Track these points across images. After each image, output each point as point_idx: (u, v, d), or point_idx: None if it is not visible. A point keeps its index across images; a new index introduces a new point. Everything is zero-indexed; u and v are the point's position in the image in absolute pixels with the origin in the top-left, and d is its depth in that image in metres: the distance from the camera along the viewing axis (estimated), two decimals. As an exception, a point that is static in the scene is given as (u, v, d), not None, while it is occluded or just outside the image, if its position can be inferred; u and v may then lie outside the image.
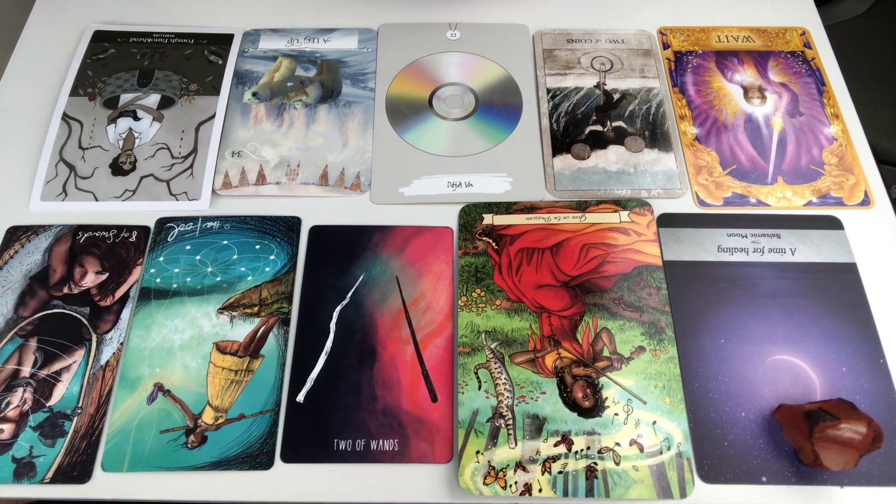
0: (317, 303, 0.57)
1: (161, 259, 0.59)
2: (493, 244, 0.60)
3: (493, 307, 0.56)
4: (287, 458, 0.51)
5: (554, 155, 0.65)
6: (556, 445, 0.51)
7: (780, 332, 0.56)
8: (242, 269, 0.59)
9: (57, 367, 0.54)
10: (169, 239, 0.60)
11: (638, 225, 0.61)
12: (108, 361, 0.54)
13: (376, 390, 0.54)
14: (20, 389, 0.53)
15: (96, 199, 0.62)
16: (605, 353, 0.54)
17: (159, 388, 0.53)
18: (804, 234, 0.61)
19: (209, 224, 0.61)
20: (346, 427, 0.52)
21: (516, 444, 0.51)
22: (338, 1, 0.77)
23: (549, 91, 0.70)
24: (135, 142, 0.65)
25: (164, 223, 0.61)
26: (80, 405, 0.53)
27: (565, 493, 0.49)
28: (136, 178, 0.63)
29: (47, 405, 0.52)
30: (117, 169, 0.63)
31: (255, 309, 0.57)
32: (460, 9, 0.76)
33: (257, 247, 0.60)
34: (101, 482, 0.51)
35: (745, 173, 0.64)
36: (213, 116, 0.66)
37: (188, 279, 0.58)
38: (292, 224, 0.61)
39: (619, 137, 0.66)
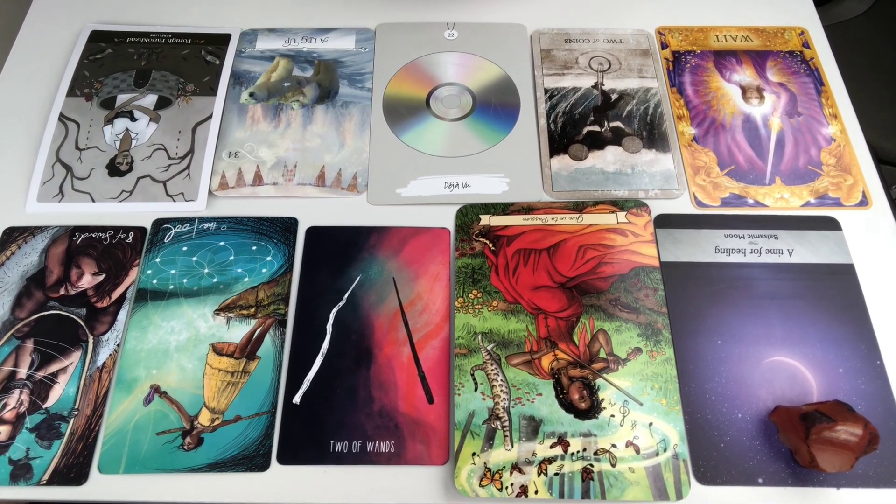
0: (313, 304, 0.57)
1: (158, 260, 0.59)
2: (490, 245, 0.60)
3: (490, 308, 0.56)
4: (283, 459, 0.51)
5: (551, 155, 0.65)
6: (552, 447, 0.51)
7: (778, 333, 0.56)
8: (239, 270, 0.59)
9: (53, 368, 0.54)
10: (165, 240, 0.60)
11: (635, 226, 0.61)
12: (104, 363, 0.54)
13: (373, 392, 0.54)
14: (17, 391, 0.53)
15: (93, 200, 0.62)
16: (602, 354, 0.54)
17: (156, 389, 0.53)
18: (802, 234, 0.61)
19: (206, 225, 0.61)
20: (343, 429, 0.52)
21: (512, 446, 0.51)
22: (335, 1, 0.76)
23: (546, 91, 0.70)
24: (132, 142, 0.65)
25: (160, 224, 0.61)
26: (76, 407, 0.53)
27: (561, 495, 0.49)
28: (132, 179, 0.63)
29: (44, 407, 0.52)
30: (114, 170, 0.63)
31: (252, 310, 0.57)
32: (458, 8, 0.76)
33: (254, 248, 0.60)
34: (98, 484, 0.51)
35: (743, 174, 0.64)
36: (209, 117, 0.66)
37: (185, 280, 0.58)
38: (289, 225, 0.61)
39: (616, 138, 0.66)
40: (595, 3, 0.77)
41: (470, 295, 0.57)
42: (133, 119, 0.66)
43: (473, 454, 0.50)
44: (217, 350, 0.55)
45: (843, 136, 0.66)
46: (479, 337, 0.55)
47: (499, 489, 0.49)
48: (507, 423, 0.51)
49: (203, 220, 0.61)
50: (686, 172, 0.64)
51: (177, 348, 0.55)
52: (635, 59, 0.72)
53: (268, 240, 0.60)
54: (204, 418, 0.52)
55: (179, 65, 0.70)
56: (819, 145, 0.65)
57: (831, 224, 0.61)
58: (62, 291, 0.57)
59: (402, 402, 0.53)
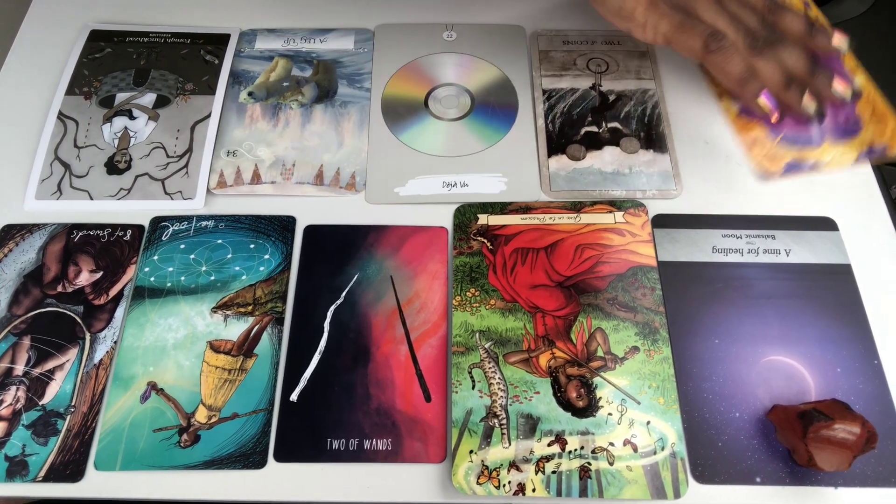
0: (311, 302, 0.57)
1: (155, 258, 0.59)
2: (488, 244, 0.60)
3: (488, 307, 0.56)
4: (280, 457, 0.51)
5: (549, 155, 0.65)
6: (549, 445, 0.51)
7: (775, 332, 0.56)
8: (237, 268, 0.59)
9: (50, 365, 0.54)
10: (163, 238, 0.60)
11: (632, 225, 0.61)
12: (101, 360, 0.54)
13: (370, 390, 0.53)
14: (13, 388, 0.53)
15: (91, 198, 0.62)
16: (599, 353, 0.54)
17: (152, 386, 0.53)
18: (799, 234, 0.61)
19: (204, 223, 0.61)
20: (340, 426, 0.52)
21: (510, 444, 0.51)
22: (335, 1, 0.77)
23: (544, 92, 0.70)
24: (130, 141, 0.65)
25: (158, 222, 0.61)
26: (73, 404, 0.52)
27: (559, 493, 0.49)
28: (131, 177, 0.63)
29: (40, 404, 0.52)
30: (112, 168, 0.63)
31: (249, 308, 0.57)
32: (457, 10, 0.76)
33: (252, 246, 0.60)
34: (94, 481, 0.50)
35: (794, 140, 0.64)
36: (208, 116, 0.66)
37: (182, 278, 0.58)
38: (287, 223, 0.61)
39: (614, 138, 0.66)
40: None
41: (468, 293, 0.57)
42: (132, 118, 0.66)
43: (471, 452, 0.50)
44: (214, 347, 0.55)
45: (868, 87, 0.65)
46: (477, 335, 0.55)
47: (496, 487, 0.49)
48: (504, 421, 0.51)
49: (201, 218, 0.61)
50: (743, 146, 0.63)
51: (174, 346, 0.55)
52: (633, 60, 0.72)
53: (266, 238, 0.60)
54: (201, 415, 0.52)
55: (178, 64, 0.70)
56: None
57: (828, 224, 0.61)
58: (59, 289, 0.57)
59: (399, 400, 0.53)
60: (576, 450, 0.51)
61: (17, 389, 0.53)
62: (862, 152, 0.61)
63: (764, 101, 0.56)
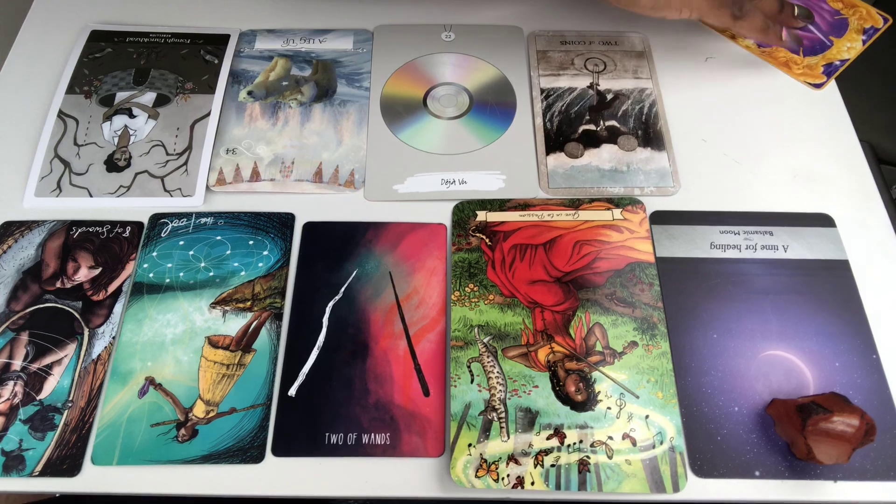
0: (310, 298, 0.57)
1: (154, 254, 0.59)
2: (487, 240, 0.60)
3: (487, 302, 0.56)
4: (278, 451, 0.51)
5: (547, 153, 0.66)
6: (548, 439, 0.51)
7: (773, 327, 0.56)
8: (235, 264, 0.59)
9: (48, 360, 0.54)
10: (162, 234, 0.60)
11: (630, 222, 0.61)
12: (99, 355, 0.54)
13: (368, 384, 0.53)
14: (11, 383, 0.53)
15: (90, 195, 0.62)
16: (598, 347, 0.54)
17: (150, 381, 0.53)
18: (797, 231, 0.61)
19: (203, 220, 0.61)
20: (338, 421, 0.52)
21: (509, 438, 0.51)
22: (334, 2, 0.77)
23: (542, 91, 0.70)
24: (130, 139, 0.65)
25: (157, 219, 0.61)
26: (70, 399, 0.52)
27: (558, 487, 0.49)
28: (130, 175, 0.63)
29: (38, 398, 0.52)
30: (112, 165, 0.63)
31: (248, 304, 0.57)
32: (455, 11, 0.77)
33: (251, 242, 0.60)
34: (91, 475, 0.50)
35: (812, 50, 0.69)
36: (208, 114, 0.67)
37: (181, 274, 0.58)
38: (286, 220, 0.61)
39: (612, 136, 0.67)
40: (590, 7, 0.78)
41: (466, 289, 0.57)
42: (132, 116, 0.66)
43: (469, 445, 0.50)
44: (213, 342, 0.55)
45: None
46: (476, 330, 0.55)
47: (495, 480, 0.49)
48: (503, 415, 0.51)
49: (200, 215, 0.61)
50: (782, 71, 0.69)
51: (172, 341, 0.55)
52: (630, 60, 0.73)
53: (265, 234, 0.60)
54: (199, 410, 0.52)
55: (178, 64, 0.70)
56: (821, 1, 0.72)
57: (826, 221, 0.62)
58: (58, 284, 0.57)
59: (397, 395, 0.53)
60: (575, 443, 0.50)
61: (15, 384, 0.53)
62: (863, 37, 0.67)
63: (785, 36, 0.67)
